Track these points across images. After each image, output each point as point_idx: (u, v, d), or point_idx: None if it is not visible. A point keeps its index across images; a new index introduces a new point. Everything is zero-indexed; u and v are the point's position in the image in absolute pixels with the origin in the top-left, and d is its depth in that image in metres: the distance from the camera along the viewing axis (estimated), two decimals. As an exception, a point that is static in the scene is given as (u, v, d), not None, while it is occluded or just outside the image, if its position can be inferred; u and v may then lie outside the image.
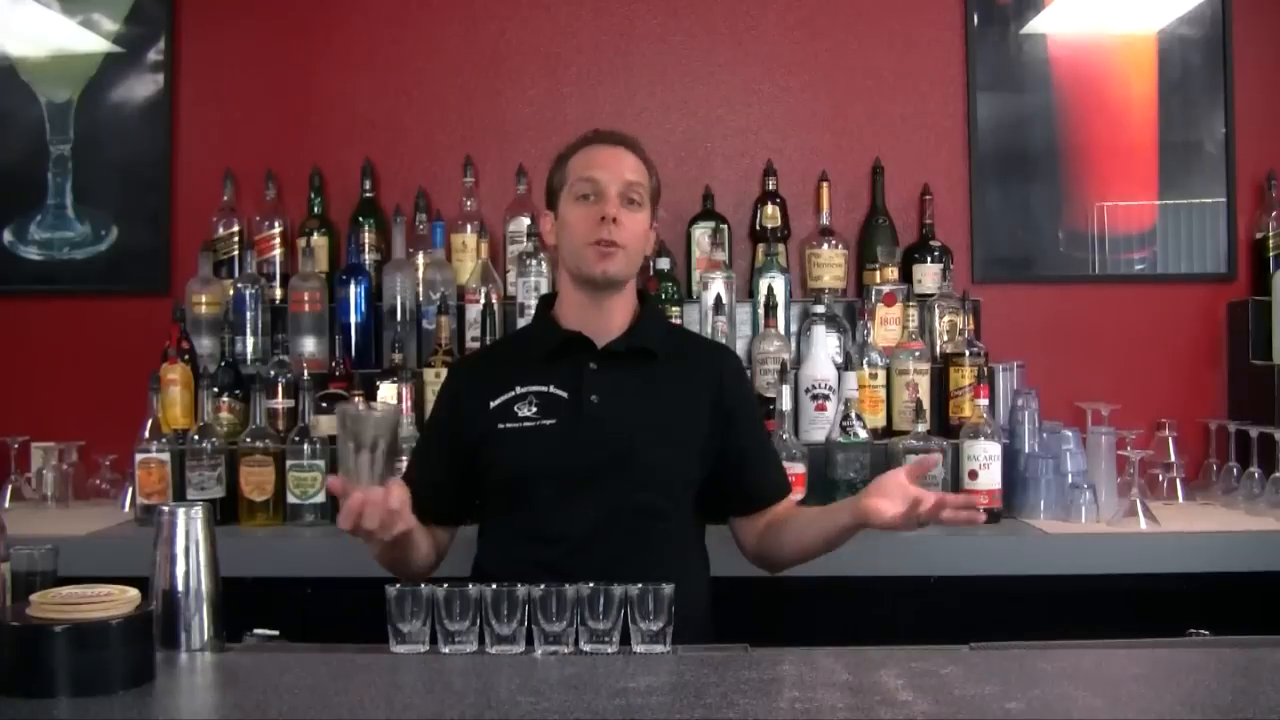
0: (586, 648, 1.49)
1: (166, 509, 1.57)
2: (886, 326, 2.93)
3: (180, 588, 1.53)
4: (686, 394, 2.00)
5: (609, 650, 1.49)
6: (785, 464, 2.56)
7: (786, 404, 2.68)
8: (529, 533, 1.93)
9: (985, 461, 2.64)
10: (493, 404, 1.96)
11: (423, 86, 3.28)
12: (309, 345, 2.94)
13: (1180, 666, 1.49)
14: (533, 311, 2.81)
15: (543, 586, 1.49)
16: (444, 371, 2.73)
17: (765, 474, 2.08)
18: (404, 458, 2.25)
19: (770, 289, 2.92)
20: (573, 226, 1.95)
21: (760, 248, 3.13)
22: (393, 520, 1.67)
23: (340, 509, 1.66)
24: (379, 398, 2.80)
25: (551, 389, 1.96)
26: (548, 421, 1.93)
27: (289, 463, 2.68)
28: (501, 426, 1.94)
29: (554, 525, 1.91)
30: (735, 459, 2.02)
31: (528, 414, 1.94)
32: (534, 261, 2.88)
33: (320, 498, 2.67)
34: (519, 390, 1.96)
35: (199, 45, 3.29)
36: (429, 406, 2.73)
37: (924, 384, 2.81)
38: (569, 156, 2.00)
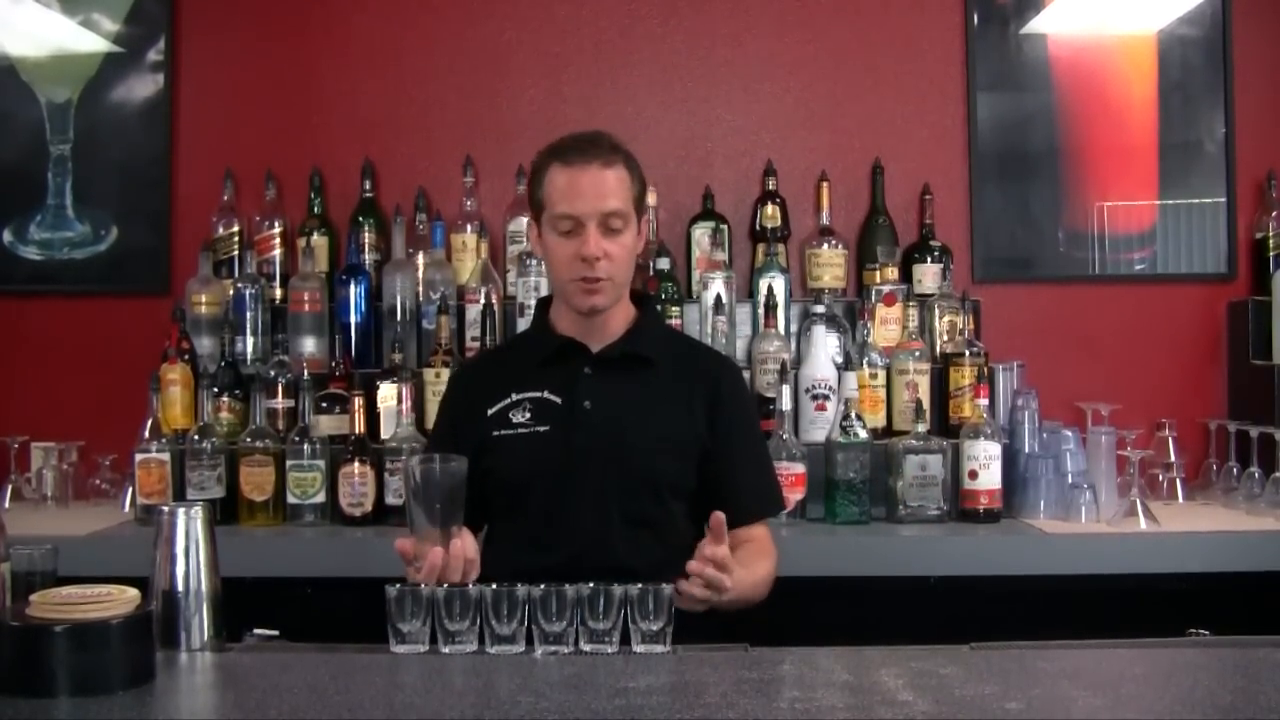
0: (586, 648, 1.49)
1: (166, 509, 1.57)
2: (886, 326, 2.93)
3: (180, 588, 1.53)
4: (682, 400, 1.98)
5: (609, 650, 1.49)
6: (785, 464, 2.58)
7: (786, 404, 2.68)
8: (526, 539, 1.93)
9: (985, 461, 2.64)
10: (490, 411, 1.96)
11: (423, 86, 3.28)
12: (309, 345, 2.93)
13: (1180, 666, 1.49)
14: (533, 312, 2.84)
15: (542, 586, 1.49)
16: (444, 372, 2.74)
17: (736, 495, 1.98)
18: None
19: (770, 289, 2.92)
20: (556, 261, 1.92)
21: (760, 248, 3.13)
22: (471, 569, 1.70)
23: (416, 565, 1.66)
24: (379, 397, 2.80)
25: (546, 395, 1.95)
26: (541, 428, 1.93)
27: (289, 463, 2.68)
28: (497, 434, 1.95)
29: (549, 531, 1.91)
30: (714, 472, 1.98)
31: (522, 420, 1.94)
32: (534, 261, 2.88)
33: (320, 497, 2.68)
34: (515, 397, 1.96)
35: (199, 45, 3.29)
36: (429, 406, 2.75)
37: (924, 384, 2.81)
38: (544, 170, 1.92)
